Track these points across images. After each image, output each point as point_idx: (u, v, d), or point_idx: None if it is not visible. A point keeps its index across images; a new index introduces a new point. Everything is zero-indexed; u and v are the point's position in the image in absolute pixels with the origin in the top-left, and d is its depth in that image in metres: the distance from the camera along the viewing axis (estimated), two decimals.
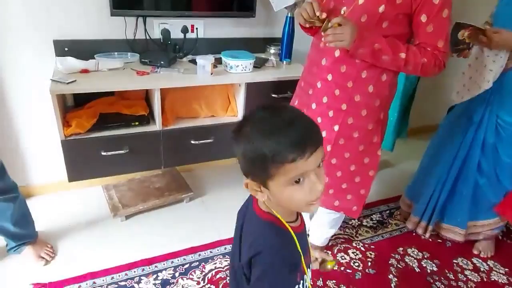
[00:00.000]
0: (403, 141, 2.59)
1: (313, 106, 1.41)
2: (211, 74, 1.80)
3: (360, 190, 1.51)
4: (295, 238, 0.77)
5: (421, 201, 1.96)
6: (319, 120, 1.41)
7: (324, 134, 1.41)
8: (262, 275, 0.74)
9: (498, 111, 1.66)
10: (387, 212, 2.22)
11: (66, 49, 1.82)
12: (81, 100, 1.82)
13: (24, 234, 1.66)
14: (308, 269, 0.88)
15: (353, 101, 1.34)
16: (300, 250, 0.79)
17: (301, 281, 0.83)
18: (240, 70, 1.87)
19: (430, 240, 1.99)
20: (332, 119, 1.38)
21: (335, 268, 0.89)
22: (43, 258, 1.68)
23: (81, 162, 1.69)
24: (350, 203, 1.53)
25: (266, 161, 0.65)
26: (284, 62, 2.10)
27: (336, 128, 1.38)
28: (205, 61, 1.76)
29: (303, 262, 0.81)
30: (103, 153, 1.68)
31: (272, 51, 2.20)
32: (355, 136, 1.39)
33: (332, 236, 1.95)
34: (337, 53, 1.31)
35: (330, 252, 1.86)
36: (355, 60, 1.28)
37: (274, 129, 0.65)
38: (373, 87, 1.33)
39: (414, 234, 2.03)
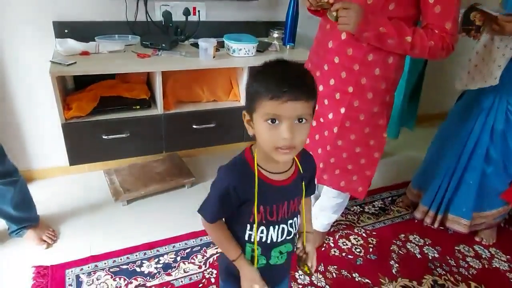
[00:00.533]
0: (408, 129, 2.56)
1: (320, 88, 1.40)
2: (214, 57, 1.78)
3: (366, 172, 1.52)
4: (256, 180, 0.83)
5: (429, 190, 1.94)
6: (326, 102, 1.40)
7: (330, 116, 1.41)
8: (211, 184, 0.88)
9: (508, 97, 1.63)
10: (389, 199, 2.21)
11: (66, 31, 1.79)
12: (82, 83, 1.79)
13: (25, 217, 1.66)
14: (272, 229, 0.89)
15: (360, 84, 1.33)
16: (256, 194, 0.83)
17: (251, 227, 0.88)
18: (243, 53, 1.84)
19: (432, 227, 1.99)
20: (338, 101, 1.38)
21: (308, 275, 0.94)
22: (45, 241, 1.68)
23: (82, 145, 1.68)
24: (356, 184, 1.54)
25: (254, 95, 0.77)
26: (288, 46, 2.07)
27: (342, 110, 1.37)
28: (207, 44, 1.73)
29: (255, 209, 0.85)
30: (104, 137, 1.67)
31: (275, 35, 2.16)
32: (361, 118, 1.39)
33: (334, 222, 1.95)
34: (343, 36, 1.29)
35: (331, 238, 1.86)
36: (361, 43, 1.26)
37: (272, 74, 0.76)
38: (379, 70, 1.31)
39: (416, 221, 2.03)
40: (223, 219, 0.93)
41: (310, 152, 0.97)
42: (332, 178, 1.53)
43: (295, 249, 0.98)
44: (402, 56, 1.33)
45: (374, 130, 1.43)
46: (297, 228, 0.95)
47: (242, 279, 0.93)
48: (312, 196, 1.04)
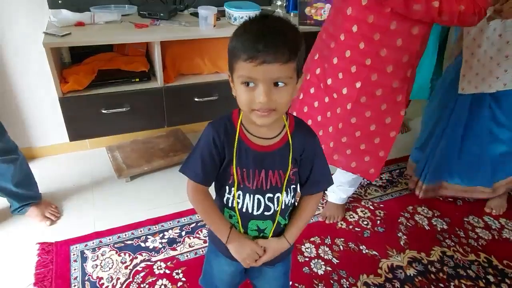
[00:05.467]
0: (419, 100, 2.48)
1: (335, 60, 1.30)
2: (214, 26, 1.70)
3: (379, 152, 1.42)
4: (236, 138, 0.81)
5: (421, 160, 1.90)
6: (340, 76, 1.31)
7: (345, 91, 1.32)
8: (198, 139, 0.85)
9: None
10: (397, 171, 2.17)
11: (60, 1, 1.71)
12: (79, 57, 1.74)
13: (27, 195, 1.64)
14: (248, 196, 0.85)
15: (379, 55, 1.22)
16: (235, 152, 0.81)
17: (230, 190, 0.85)
18: None
19: (441, 199, 1.95)
20: (354, 75, 1.27)
21: None
22: (48, 218, 1.66)
23: (81, 120, 1.63)
24: (368, 165, 1.46)
25: (232, 54, 0.72)
26: (292, 14, 1.98)
27: (358, 85, 1.28)
28: (207, 12, 1.65)
29: (234, 169, 0.82)
30: (103, 111, 1.62)
31: (278, 2, 2.07)
32: (378, 94, 1.29)
33: None
34: (364, 1, 1.17)
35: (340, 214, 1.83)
36: (384, 10, 1.15)
37: (249, 31, 0.70)
38: (401, 40, 1.19)
39: None
40: (208, 189, 0.88)
41: (312, 129, 0.88)
42: (343, 159, 1.45)
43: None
44: (429, 26, 1.21)
45: (391, 107, 1.33)
46: (280, 207, 0.87)
47: (239, 253, 0.88)
48: None
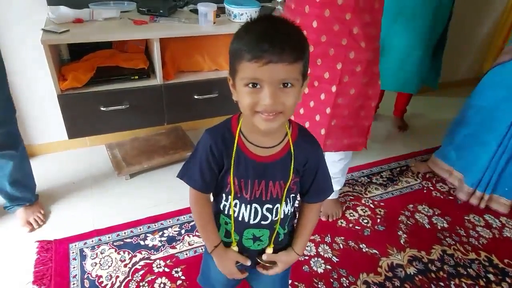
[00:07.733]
0: (415, 97, 2.47)
1: (311, 49, 1.30)
2: (214, 23, 1.69)
3: (364, 123, 1.49)
4: (234, 147, 0.78)
5: (475, 170, 1.84)
6: (318, 62, 1.32)
7: (326, 75, 1.34)
8: (196, 145, 0.84)
9: None
10: (398, 169, 2.16)
11: None
12: (77, 54, 1.72)
13: (19, 196, 1.62)
14: (244, 206, 0.84)
15: (352, 34, 1.26)
16: (232, 163, 0.79)
17: (226, 198, 0.84)
18: (244, 18, 1.74)
19: (442, 197, 1.94)
20: (333, 57, 1.31)
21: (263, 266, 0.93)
22: (30, 224, 1.62)
23: (80, 118, 1.63)
24: (356, 137, 1.52)
25: (234, 55, 0.69)
26: None
27: (339, 66, 1.31)
28: (207, 9, 1.64)
29: (231, 178, 0.80)
30: (102, 109, 1.61)
31: None
32: (357, 70, 1.33)
33: (341, 194, 1.92)
34: None
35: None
36: None
37: (253, 31, 0.67)
38: (369, 16, 1.26)
39: (425, 191, 1.98)
40: (209, 197, 0.88)
41: (315, 138, 0.86)
42: (335, 141, 1.48)
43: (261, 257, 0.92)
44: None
45: (371, 79, 1.38)
46: (279, 217, 0.86)
47: (222, 269, 0.91)
48: None
